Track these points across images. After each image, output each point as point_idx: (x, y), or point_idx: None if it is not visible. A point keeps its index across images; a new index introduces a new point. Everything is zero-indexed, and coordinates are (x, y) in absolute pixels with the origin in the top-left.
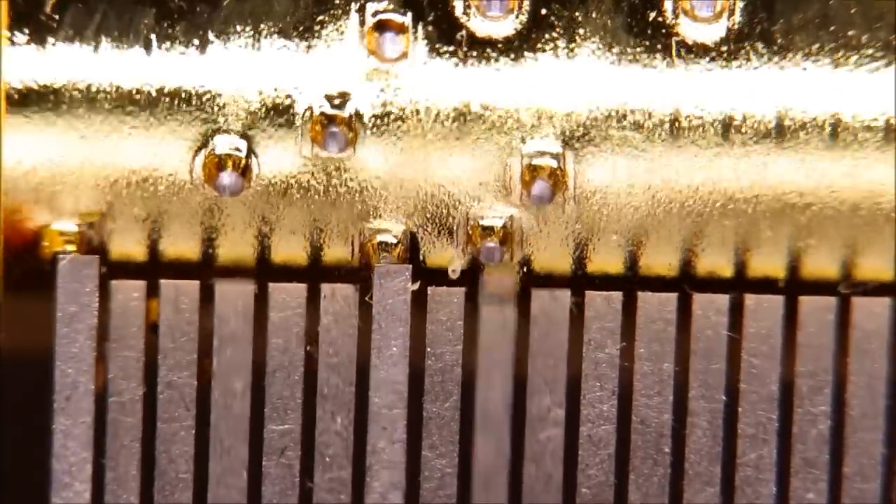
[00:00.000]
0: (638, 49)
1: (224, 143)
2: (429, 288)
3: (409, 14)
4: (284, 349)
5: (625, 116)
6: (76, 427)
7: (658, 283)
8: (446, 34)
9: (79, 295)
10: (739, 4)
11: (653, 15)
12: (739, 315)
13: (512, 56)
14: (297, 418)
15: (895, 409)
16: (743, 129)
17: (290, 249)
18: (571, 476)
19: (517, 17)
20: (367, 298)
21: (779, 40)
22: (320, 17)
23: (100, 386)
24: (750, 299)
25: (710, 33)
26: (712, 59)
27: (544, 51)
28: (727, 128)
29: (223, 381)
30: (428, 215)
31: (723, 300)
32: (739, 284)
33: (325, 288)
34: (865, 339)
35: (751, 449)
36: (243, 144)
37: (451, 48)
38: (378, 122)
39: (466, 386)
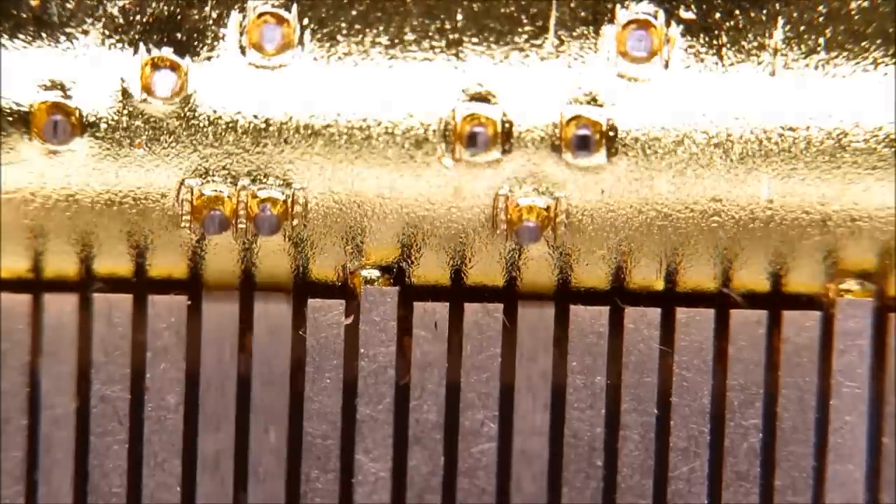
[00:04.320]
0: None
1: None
2: (363, 287)
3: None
4: (218, 362)
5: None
6: (7, 461)
7: (590, 297)
8: None
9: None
10: None
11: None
12: (671, 328)
13: None
14: (230, 432)
15: (824, 422)
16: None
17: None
18: (504, 490)
19: None
20: (300, 332)
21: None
22: None
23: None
24: (681, 313)
25: None
26: None
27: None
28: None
29: (156, 394)
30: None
31: (654, 314)
32: (671, 298)
33: (258, 299)
34: (796, 353)
35: (683, 462)
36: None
37: None
38: None
39: (402, 394)
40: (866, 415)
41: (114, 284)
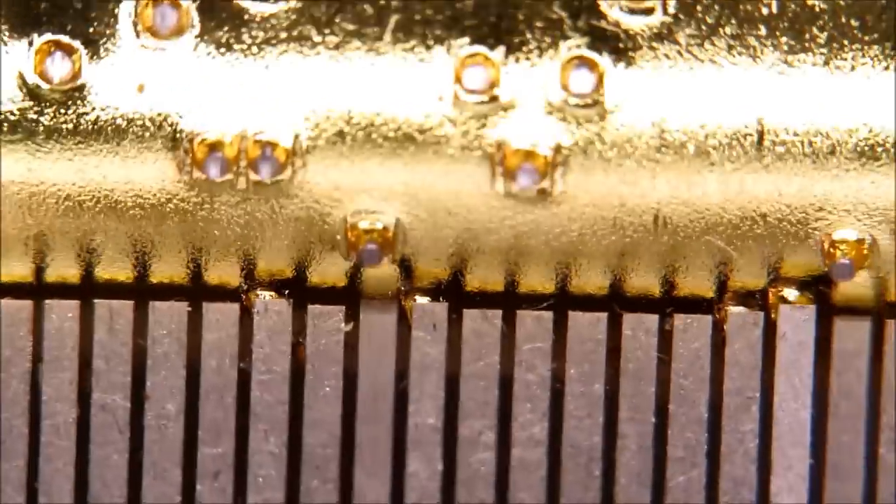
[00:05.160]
0: None
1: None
2: (362, 301)
3: None
4: (218, 370)
5: None
6: (9, 469)
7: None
8: None
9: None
10: None
11: None
12: (669, 335)
13: None
14: (230, 440)
15: (821, 421)
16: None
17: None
18: (503, 500)
19: None
20: (300, 339)
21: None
22: None
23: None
24: (679, 319)
25: None
26: None
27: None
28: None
29: (157, 403)
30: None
31: (652, 320)
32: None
33: (259, 303)
34: (791, 351)
35: (679, 472)
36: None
37: None
38: None
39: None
40: (864, 428)
41: (115, 290)
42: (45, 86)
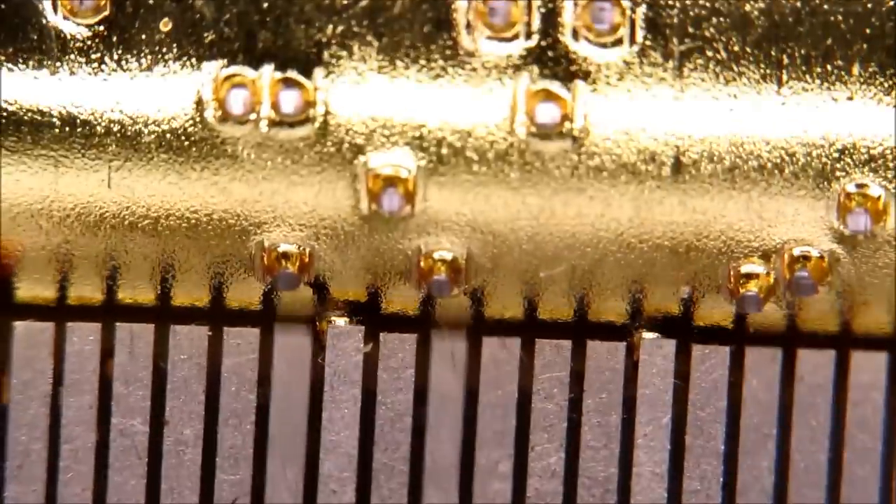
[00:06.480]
0: None
1: None
2: (381, 334)
3: None
4: (237, 396)
5: None
6: (30, 495)
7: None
8: None
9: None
10: None
11: None
12: (687, 365)
13: None
14: (248, 468)
15: (837, 463)
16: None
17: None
18: None
19: None
20: (318, 360)
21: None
22: None
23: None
24: (697, 349)
25: None
26: None
27: None
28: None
29: (175, 428)
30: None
31: (670, 346)
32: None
33: (278, 328)
34: (810, 393)
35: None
36: None
37: None
38: None
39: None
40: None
41: (136, 313)
42: (71, 26)
